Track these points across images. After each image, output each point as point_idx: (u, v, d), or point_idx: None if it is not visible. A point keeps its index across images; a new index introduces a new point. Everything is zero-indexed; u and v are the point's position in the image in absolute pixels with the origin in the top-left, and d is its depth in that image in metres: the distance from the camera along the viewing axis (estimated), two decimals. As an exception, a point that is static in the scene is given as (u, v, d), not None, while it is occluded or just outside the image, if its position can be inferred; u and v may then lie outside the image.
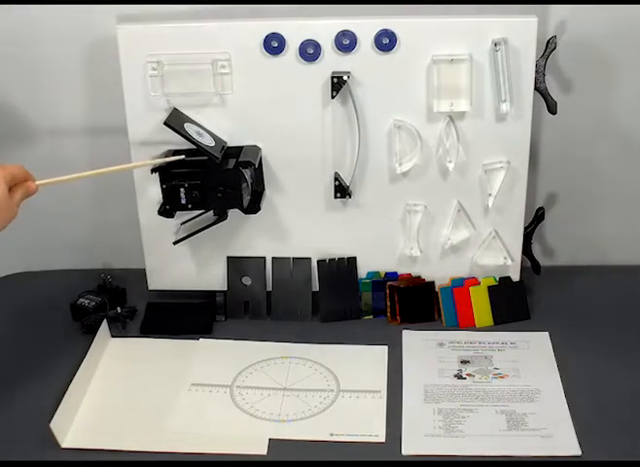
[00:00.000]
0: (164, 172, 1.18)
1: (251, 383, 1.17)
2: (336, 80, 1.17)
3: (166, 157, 1.19)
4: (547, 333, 1.24)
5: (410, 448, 1.04)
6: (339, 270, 1.30)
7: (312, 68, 1.19)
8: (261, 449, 1.05)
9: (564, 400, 1.11)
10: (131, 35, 1.18)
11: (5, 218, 1.02)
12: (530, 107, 1.20)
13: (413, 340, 1.25)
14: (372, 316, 1.31)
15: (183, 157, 1.18)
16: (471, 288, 1.28)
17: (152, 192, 1.24)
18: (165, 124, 1.17)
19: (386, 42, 1.16)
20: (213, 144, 1.19)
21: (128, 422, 1.09)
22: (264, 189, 1.27)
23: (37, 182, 1.07)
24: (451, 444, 1.04)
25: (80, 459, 1.03)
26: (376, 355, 1.21)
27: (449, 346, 1.23)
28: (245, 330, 1.28)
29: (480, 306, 1.28)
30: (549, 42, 1.19)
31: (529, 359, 1.20)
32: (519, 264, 1.30)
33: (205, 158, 1.17)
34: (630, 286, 1.36)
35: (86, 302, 1.31)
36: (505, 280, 1.30)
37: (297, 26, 1.17)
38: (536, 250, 1.37)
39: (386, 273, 1.31)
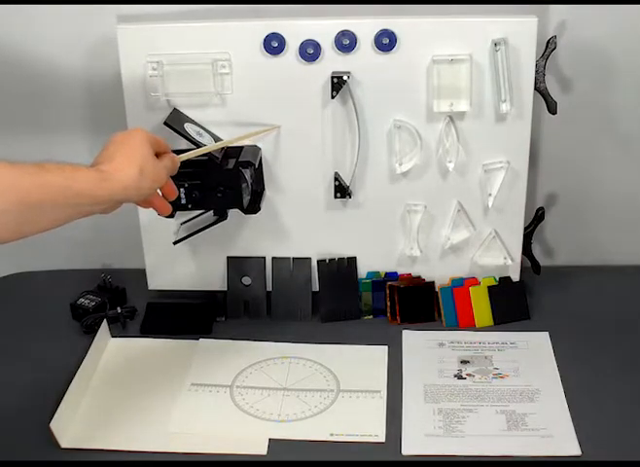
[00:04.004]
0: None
1: (251, 383, 1.17)
2: (336, 80, 1.17)
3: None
4: (547, 333, 1.24)
5: (410, 448, 1.04)
6: (339, 270, 1.30)
7: (312, 68, 1.19)
8: (261, 449, 1.05)
9: (564, 400, 1.11)
10: (131, 35, 1.18)
11: (154, 179, 0.98)
12: (530, 107, 1.20)
13: (413, 340, 1.25)
14: (372, 316, 1.31)
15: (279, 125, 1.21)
16: (471, 288, 1.28)
17: (152, 192, 1.24)
18: (165, 124, 1.17)
19: (386, 42, 1.16)
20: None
21: (128, 422, 1.09)
22: (264, 189, 1.27)
23: (179, 156, 1.06)
24: (451, 444, 1.04)
25: (80, 459, 1.03)
26: (376, 355, 1.21)
27: (449, 346, 1.23)
28: (245, 330, 1.28)
29: (480, 306, 1.28)
30: (549, 42, 1.19)
31: (529, 359, 1.19)
32: (519, 264, 1.30)
33: (205, 158, 1.17)
34: (630, 286, 1.36)
35: (86, 302, 1.31)
36: (505, 280, 1.30)
37: (297, 26, 1.17)
38: (536, 250, 1.37)
39: (386, 273, 1.31)
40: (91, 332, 1.25)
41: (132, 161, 0.95)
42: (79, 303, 1.31)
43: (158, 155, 1.01)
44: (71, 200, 0.90)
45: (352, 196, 1.25)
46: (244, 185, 1.20)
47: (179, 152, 1.11)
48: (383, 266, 1.31)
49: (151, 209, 1.06)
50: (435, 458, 1.03)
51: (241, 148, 1.22)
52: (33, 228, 0.88)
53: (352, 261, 1.31)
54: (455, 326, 1.28)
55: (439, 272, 1.31)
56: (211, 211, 1.23)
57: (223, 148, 1.20)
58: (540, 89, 1.20)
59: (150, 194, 1.00)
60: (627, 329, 1.25)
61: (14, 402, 1.14)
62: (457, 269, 1.30)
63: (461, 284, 1.29)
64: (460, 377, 1.16)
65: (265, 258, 1.31)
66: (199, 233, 1.24)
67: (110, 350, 1.24)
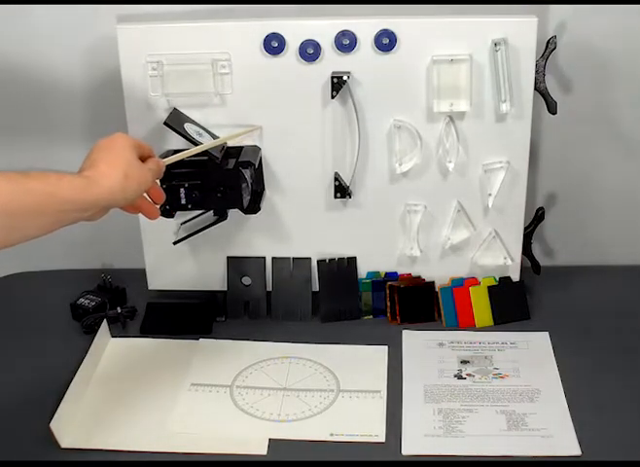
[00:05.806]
0: (164, 172, 1.18)
1: (251, 383, 1.17)
2: (336, 80, 1.17)
3: (166, 157, 1.19)
4: (547, 333, 1.24)
5: (410, 448, 1.04)
6: (339, 270, 1.30)
7: (312, 68, 1.19)
8: (261, 449, 1.05)
9: (564, 400, 1.11)
10: (131, 35, 1.18)
11: (139, 181, 0.98)
12: (530, 107, 1.20)
13: (413, 340, 1.25)
14: (371, 316, 1.31)
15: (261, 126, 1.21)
16: (471, 288, 1.28)
17: (152, 192, 1.24)
18: (165, 124, 1.17)
19: (386, 42, 1.16)
20: (213, 144, 1.19)
21: (128, 422, 1.09)
22: (264, 189, 1.27)
23: (163, 160, 1.06)
24: (451, 444, 1.04)
25: (80, 459, 1.03)
26: (376, 355, 1.21)
27: (449, 346, 1.23)
28: (245, 330, 1.28)
29: (480, 306, 1.28)
30: (549, 42, 1.19)
31: (529, 359, 1.19)
32: (519, 264, 1.30)
33: (205, 158, 1.17)
34: (630, 286, 1.36)
35: (86, 302, 1.31)
36: (505, 280, 1.30)
37: (297, 26, 1.17)
38: (536, 250, 1.37)
39: (386, 273, 1.31)
40: (91, 332, 1.25)
41: (116, 166, 0.96)
42: (79, 303, 1.31)
43: (142, 159, 1.02)
44: (56, 207, 0.90)
45: (352, 196, 1.25)
46: (244, 185, 1.20)
47: (176, 152, 1.11)
48: (383, 266, 1.31)
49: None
50: (435, 458, 1.03)
51: (241, 148, 1.22)
52: (20, 235, 0.88)
53: (352, 261, 1.31)
54: (455, 326, 1.28)
55: (439, 272, 1.31)
56: (211, 211, 1.23)
57: (223, 147, 1.20)
58: (540, 90, 1.20)
59: (136, 197, 1.00)
60: (627, 329, 1.25)
61: (14, 402, 1.13)
62: (457, 269, 1.30)
63: (461, 284, 1.29)
64: (460, 377, 1.16)
65: (265, 258, 1.31)
66: (199, 233, 1.24)
67: (110, 350, 1.24)
